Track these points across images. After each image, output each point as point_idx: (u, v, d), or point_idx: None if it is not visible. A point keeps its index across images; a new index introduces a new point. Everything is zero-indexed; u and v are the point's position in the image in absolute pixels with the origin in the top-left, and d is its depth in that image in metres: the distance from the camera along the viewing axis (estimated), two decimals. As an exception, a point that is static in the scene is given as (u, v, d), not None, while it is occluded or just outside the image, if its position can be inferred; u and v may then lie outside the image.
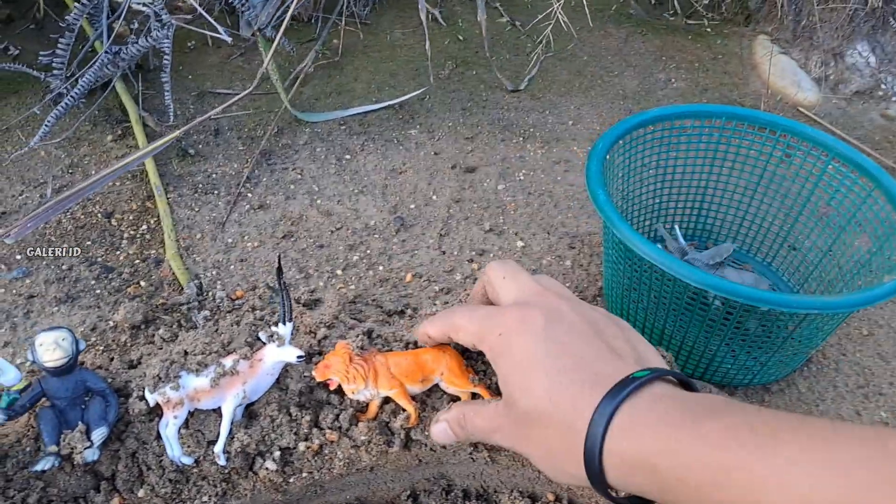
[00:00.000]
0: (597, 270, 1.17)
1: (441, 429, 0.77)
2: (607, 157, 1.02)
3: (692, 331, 0.96)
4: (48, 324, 1.09)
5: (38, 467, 0.80)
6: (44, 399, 0.84)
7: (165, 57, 1.41)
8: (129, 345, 1.05)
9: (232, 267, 1.19)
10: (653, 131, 1.13)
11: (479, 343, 0.66)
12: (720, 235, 1.21)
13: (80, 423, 0.83)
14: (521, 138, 1.48)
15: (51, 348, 0.80)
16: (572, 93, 1.63)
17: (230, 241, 1.24)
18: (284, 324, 0.86)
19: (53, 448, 0.81)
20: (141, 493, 0.86)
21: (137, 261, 1.21)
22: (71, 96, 1.39)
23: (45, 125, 1.35)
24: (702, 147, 1.16)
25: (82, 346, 0.84)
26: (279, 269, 0.85)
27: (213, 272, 1.18)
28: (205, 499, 0.87)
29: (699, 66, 1.78)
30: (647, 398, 0.53)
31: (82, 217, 1.28)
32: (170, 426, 0.85)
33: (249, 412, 0.89)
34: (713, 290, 0.82)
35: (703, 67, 1.77)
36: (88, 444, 0.81)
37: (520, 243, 1.22)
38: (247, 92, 1.30)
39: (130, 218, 1.29)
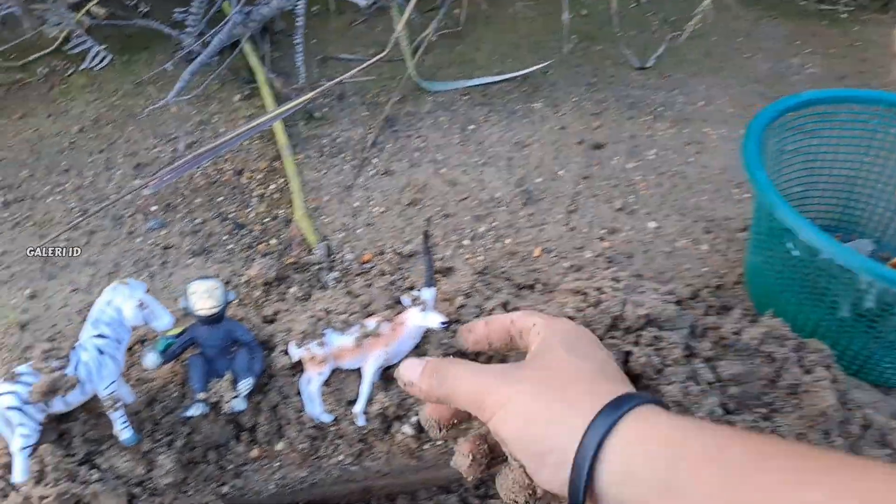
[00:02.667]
0: (735, 257, 1.12)
1: (413, 363, 0.72)
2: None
3: (847, 326, 0.91)
4: (184, 274, 1.11)
5: (189, 413, 0.81)
6: (193, 346, 0.86)
7: (298, 19, 1.42)
8: (262, 300, 1.06)
9: (359, 231, 1.19)
10: (802, 116, 1.07)
11: (546, 323, 0.65)
12: (866, 229, 1.15)
13: (227, 372, 0.84)
14: (649, 117, 1.43)
15: (204, 296, 0.81)
16: (702, 73, 1.57)
17: (356, 205, 1.24)
18: (429, 288, 0.85)
19: (202, 395, 0.82)
20: (279, 447, 0.87)
21: (267, 219, 1.22)
22: (206, 54, 1.41)
23: (182, 81, 1.37)
24: (856, 134, 1.09)
25: (232, 297, 0.85)
26: (426, 234, 0.84)
27: (341, 235, 1.18)
28: (340, 457, 0.87)
29: (835, 52, 1.69)
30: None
31: (214, 174, 1.30)
32: (313, 383, 0.86)
33: (386, 375, 0.89)
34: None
35: (840, 54, 1.68)
36: (235, 394, 0.82)
37: (652, 224, 1.18)
38: (380, 56, 1.29)
39: (259, 177, 1.30)
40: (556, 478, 0.55)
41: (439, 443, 0.89)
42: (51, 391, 0.74)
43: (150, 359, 0.80)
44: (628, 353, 0.87)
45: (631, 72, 1.57)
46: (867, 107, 1.07)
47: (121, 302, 0.79)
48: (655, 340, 0.88)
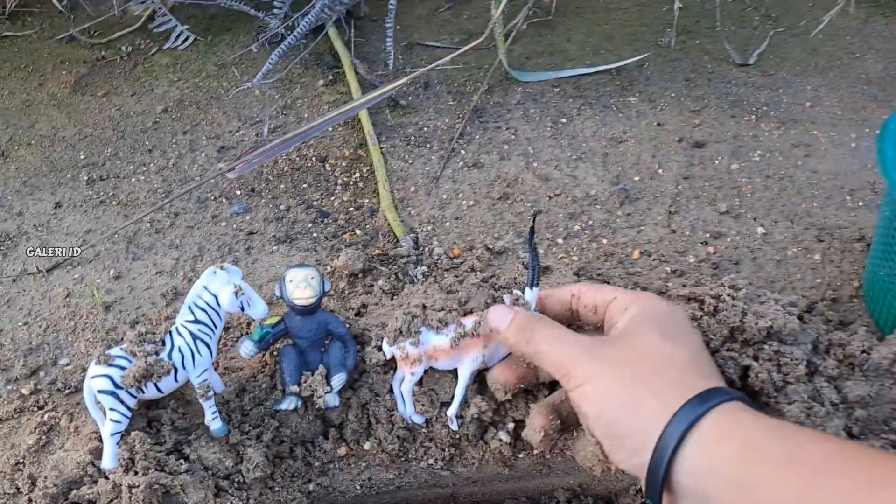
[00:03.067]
0: (851, 269, 1.04)
1: (503, 311, 0.72)
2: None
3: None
4: (269, 261, 1.08)
5: (283, 406, 0.78)
6: (286, 337, 0.82)
7: (391, 3, 1.37)
8: (347, 292, 1.02)
9: (447, 224, 1.14)
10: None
11: (632, 298, 0.66)
12: None
13: (320, 365, 0.80)
14: (753, 116, 1.36)
15: (301, 286, 0.78)
16: (807, 72, 1.48)
17: (444, 196, 1.19)
18: (531, 288, 0.80)
19: (295, 388, 0.78)
20: (367, 446, 0.83)
21: (351, 208, 1.18)
22: (293, 37, 1.37)
23: (269, 63, 1.34)
24: None
25: (328, 287, 0.81)
26: (532, 230, 0.78)
27: (429, 227, 1.14)
28: (431, 461, 0.83)
29: (949, 53, 1.59)
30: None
31: (298, 160, 1.26)
32: (405, 382, 0.81)
33: (480, 378, 0.84)
34: None
35: (955, 56, 1.58)
36: (328, 388, 0.78)
37: (760, 230, 1.11)
38: (475, 44, 1.24)
39: (343, 164, 1.26)
40: (631, 462, 0.56)
41: (535, 453, 0.84)
42: (145, 376, 0.71)
43: (246, 347, 0.77)
44: (747, 368, 0.81)
45: (731, 68, 1.49)
46: None
47: (218, 287, 0.76)
48: (776, 355, 0.81)
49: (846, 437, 0.79)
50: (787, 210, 1.15)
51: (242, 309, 0.77)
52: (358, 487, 0.83)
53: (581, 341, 0.62)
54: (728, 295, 0.84)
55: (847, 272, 1.05)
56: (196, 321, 0.75)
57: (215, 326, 0.76)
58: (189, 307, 0.76)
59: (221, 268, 0.76)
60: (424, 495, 0.86)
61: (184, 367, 0.74)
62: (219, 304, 0.76)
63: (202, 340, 0.75)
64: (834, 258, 1.06)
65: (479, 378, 0.83)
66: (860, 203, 1.16)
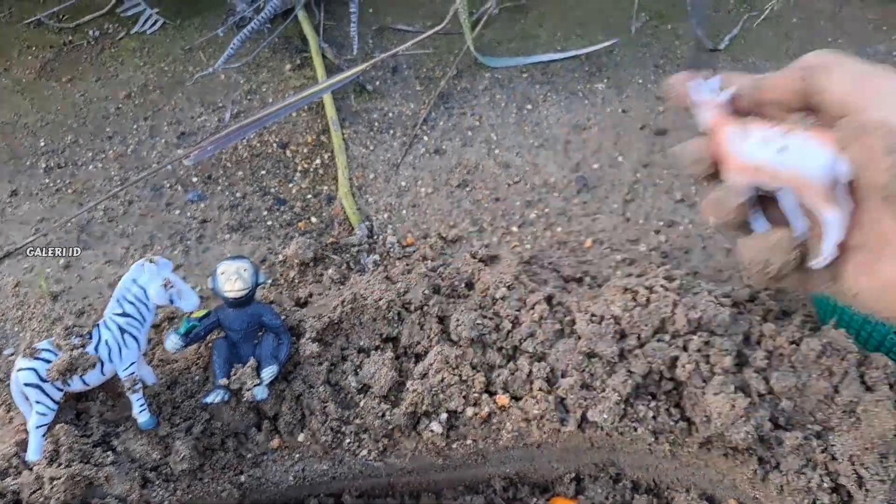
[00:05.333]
0: (802, 258, 1.04)
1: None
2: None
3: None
4: (220, 250, 1.07)
5: (209, 399, 0.78)
6: (217, 329, 0.82)
7: (354, -14, 1.36)
8: (297, 281, 1.02)
9: (404, 212, 1.14)
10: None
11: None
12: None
13: (251, 358, 0.80)
14: (718, 102, 1.34)
15: (232, 278, 0.78)
16: (779, 57, 1.47)
17: (403, 184, 1.19)
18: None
19: (224, 381, 0.78)
20: (301, 438, 0.83)
21: (309, 195, 1.18)
22: (257, 20, 1.37)
23: (231, 48, 1.33)
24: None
25: (262, 278, 0.81)
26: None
27: (385, 215, 1.14)
28: (364, 452, 0.83)
29: (926, 38, 1.56)
30: None
31: (258, 145, 1.26)
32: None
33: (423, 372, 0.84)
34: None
35: (932, 40, 1.56)
36: (258, 381, 0.79)
37: (713, 219, 1.10)
38: (437, 28, 1.23)
39: (305, 151, 1.26)
40: None
41: (468, 442, 0.84)
42: (69, 370, 0.71)
43: (172, 341, 0.77)
44: (675, 359, 0.81)
45: (702, 54, 1.48)
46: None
47: (146, 280, 0.76)
48: (705, 346, 0.81)
49: (772, 428, 0.79)
50: (745, 199, 1.14)
51: (172, 301, 0.77)
52: (291, 479, 0.83)
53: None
54: (661, 286, 0.84)
55: (799, 262, 1.04)
56: (124, 314, 0.75)
57: (144, 319, 0.77)
58: (117, 300, 0.76)
59: (151, 260, 0.76)
60: (360, 486, 0.87)
61: (111, 361, 0.74)
62: (147, 298, 0.76)
63: (130, 334, 0.75)
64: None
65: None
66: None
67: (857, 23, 1.57)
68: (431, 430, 0.82)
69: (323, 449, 0.83)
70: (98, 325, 0.76)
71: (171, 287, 0.76)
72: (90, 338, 0.75)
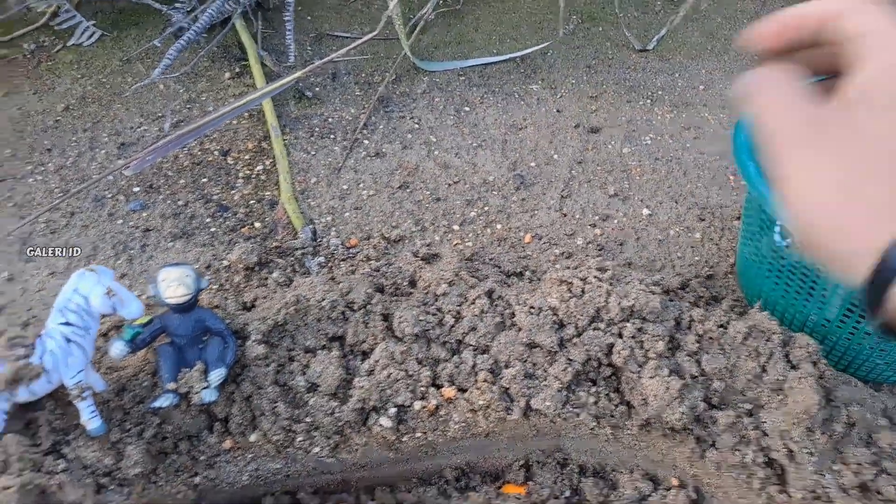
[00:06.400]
0: (728, 246, 1.09)
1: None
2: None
3: (837, 322, 0.88)
4: (164, 258, 1.08)
5: (157, 404, 0.79)
6: (163, 335, 0.83)
7: (289, -6, 1.38)
8: (242, 286, 1.03)
9: (347, 214, 1.16)
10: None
11: (870, 34, 0.42)
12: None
13: (198, 362, 0.81)
14: (648, 101, 1.40)
15: (174, 284, 0.79)
16: (704, 56, 1.53)
17: (345, 187, 1.21)
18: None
19: (172, 385, 0.79)
20: (253, 438, 0.85)
21: (252, 201, 1.19)
22: (193, 30, 1.37)
23: (167, 58, 1.34)
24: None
25: (204, 284, 0.82)
26: None
27: (328, 218, 1.16)
28: (316, 449, 0.85)
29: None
30: None
31: (199, 153, 1.27)
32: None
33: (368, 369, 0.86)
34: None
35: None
36: (206, 384, 0.80)
37: (646, 211, 1.15)
38: (371, 35, 1.26)
39: (246, 158, 1.27)
40: (844, 278, 0.42)
41: (418, 435, 0.87)
42: (15, 380, 0.72)
43: (117, 348, 0.78)
44: (611, 346, 0.85)
45: (631, 54, 1.53)
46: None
47: (88, 289, 0.76)
48: (639, 333, 0.85)
49: (706, 408, 0.83)
50: (673, 191, 1.19)
51: (115, 310, 0.78)
52: (246, 478, 0.85)
53: (803, 115, 0.44)
54: (594, 277, 0.88)
55: (724, 249, 1.09)
56: (67, 323, 0.76)
57: (88, 328, 0.77)
58: (60, 310, 0.76)
59: (91, 269, 0.77)
60: (315, 482, 0.88)
61: (57, 370, 0.75)
62: (90, 306, 0.77)
63: (75, 342, 0.76)
64: (713, 236, 1.11)
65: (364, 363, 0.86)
66: (743, 182, 1.21)
67: (777, 21, 1.64)
68: (381, 425, 0.84)
69: (275, 448, 0.84)
70: (41, 335, 0.76)
71: (114, 295, 0.77)
72: (33, 348, 0.75)
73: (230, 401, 0.84)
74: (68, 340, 0.75)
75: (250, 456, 0.85)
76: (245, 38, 1.48)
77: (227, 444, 0.85)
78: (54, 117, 1.33)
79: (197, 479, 0.83)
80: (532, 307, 0.87)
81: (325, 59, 1.25)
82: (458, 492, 0.90)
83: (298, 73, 1.21)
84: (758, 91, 0.45)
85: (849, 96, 0.41)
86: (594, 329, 0.85)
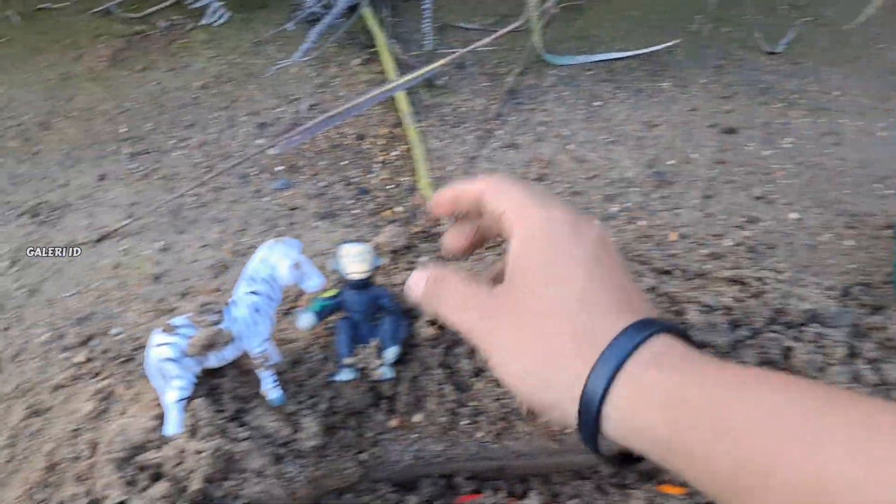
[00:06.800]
0: (881, 255, 1.06)
1: (416, 279, 0.59)
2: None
3: None
4: (311, 237, 1.09)
5: (339, 378, 0.80)
6: (340, 310, 0.84)
7: (428, -17, 1.39)
8: (390, 268, 1.04)
9: (485, 203, 1.16)
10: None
11: (517, 217, 0.52)
12: None
13: (372, 339, 0.82)
14: (782, 104, 1.37)
15: (356, 260, 0.79)
16: (835, 62, 1.50)
17: (482, 177, 1.20)
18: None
19: (349, 360, 0.80)
20: (417, 418, 0.85)
21: (390, 186, 1.20)
22: (332, 15, 1.39)
23: (308, 42, 1.36)
24: None
25: (380, 262, 0.83)
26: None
27: (467, 206, 1.15)
28: (480, 434, 0.85)
29: (975, 45, 1.60)
30: (677, 341, 0.47)
31: (336, 137, 1.28)
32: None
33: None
34: None
35: (981, 47, 1.59)
36: (380, 361, 0.80)
37: (793, 215, 1.13)
38: (511, 27, 1.26)
39: (380, 143, 1.28)
40: (566, 423, 0.48)
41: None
42: (209, 346, 0.73)
43: (306, 319, 0.79)
44: (789, 349, 0.83)
45: (760, 56, 1.51)
46: None
47: (276, 260, 0.77)
48: (818, 337, 0.83)
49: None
50: (818, 197, 1.16)
51: (299, 281, 0.79)
52: (409, 458, 0.85)
53: (476, 300, 0.52)
54: (771, 277, 0.86)
55: (878, 258, 1.06)
56: (255, 293, 0.77)
57: (273, 298, 0.78)
58: (248, 279, 0.77)
59: (280, 240, 0.78)
60: (473, 467, 0.88)
61: (243, 338, 0.76)
62: (277, 277, 0.78)
63: (261, 312, 0.77)
64: (865, 244, 1.08)
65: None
66: (889, 191, 1.18)
67: (910, 29, 1.61)
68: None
69: (440, 430, 0.84)
70: (229, 303, 0.77)
71: (300, 267, 0.78)
72: (223, 315, 0.76)
73: (397, 380, 0.85)
74: (255, 310, 0.76)
75: (414, 436, 0.85)
76: (373, 26, 1.50)
77: (394, 422, 0.85)
78: (192, 94, 1.35)
79: (363, 456, 0.83)
80: (703, 305, 0.86)
81: (468, 48, 1.26)
82: (616, 488, 0.89)
83: (442, 61, 1.21)
84: (439, 294, 0.54)
85: (508, 270, 0.50)
86: (770, 331, 0.84)
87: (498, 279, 0.55)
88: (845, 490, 0.36)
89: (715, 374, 0.43)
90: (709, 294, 0.87)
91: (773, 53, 1.51)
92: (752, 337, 0.85)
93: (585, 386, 0.45)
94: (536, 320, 0.49)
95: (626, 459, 0.51)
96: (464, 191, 0.59)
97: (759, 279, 0.86)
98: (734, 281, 0.87)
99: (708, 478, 0.42)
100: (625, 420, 0.44)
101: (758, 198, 1.16)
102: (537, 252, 0.51)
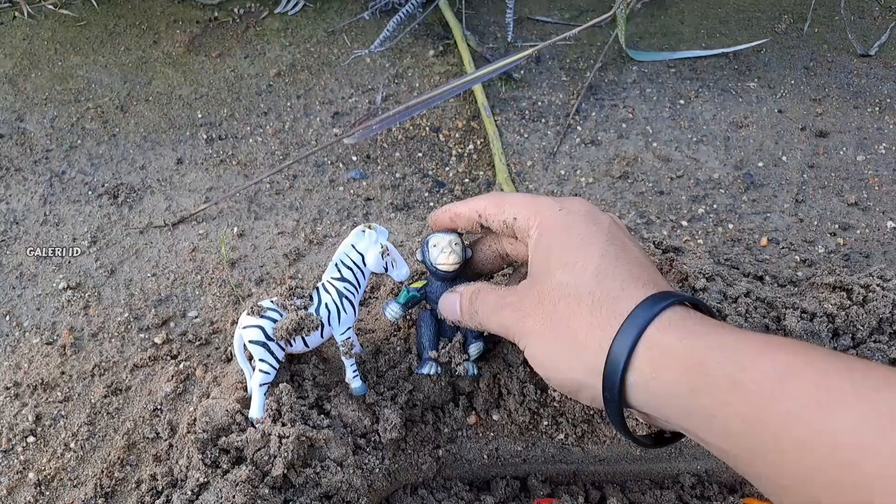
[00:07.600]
0: None
1: (451, 300, 0.70)
2: None
3: None
4: (387, 228, 1.07)
5: (423, 371, 0.77)
6: (423, 302, 0.81)
7: (511, -25, 1.36)
8: (467, 262, 1.01)
9: (565, 200, 1.12)
10: None
11: (531, 215, 0.58)
12: None
13: (456, 333, 0.79)
14: (876, 108, 1.31)
15: (446, 251, 0.76)
16: (933, 66, 1.43)
17: (562, 172, 1.17)
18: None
19: (433, 354, 0.77)
20: (496, 416, 0.83)
21: (466, 179, 1.17)
22: (411, 4, 1.37)
23: (386, 31, 1.34)
24: None
25: (469, 254, 0.80)
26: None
27: (546, 202, 1.12)
28: (561, 436, 0.82)
29: None
30: (695, 311, 0.50)
31: (411, 129, 1.26)
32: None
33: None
34: None
35: None
36: (465, 357, 0.78)
37: (890, 224, 1.07)
38: (596, 21, 1.22)
39: (456, 136, 1.26)
40: (595, 403, 0.53)
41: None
42: (296, 330, 0.71)
43: (392, 309, 0.76)
44: (893, 361, 0.78)
45: (852, 58, 1.45)
46: None
47: (365, 246, 0.75)
48: (926, 351, 0.78)
49: None
50: (919, 205, 1.11)
51: (386, 269, 0.77)
52: (485, 457, 0.82)
53: (510, 301, 0.58)
54: (878, 285, 0.81)
55: None
56: (342, 279, 0.75)
57: (359, 285, 0.76)
58: (336, 264, 0.75)
59: (370, 227, 0.76)
60: (548, 470, 0.85)
61: (329, 324, 0.74)
62: (364, 264, 0.76)
63: (347, 298, 0.75)
64: (970, 258, 1.03)
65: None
66: None
67: None
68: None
69: (519, 429, 0.82)
70: (317, 287, 0.76)
71: (388, 255, 0.76)
72: (311, 300, 0.75)
73: (478, 376, 0.82)
74: (341, 295, 0.75)
75: (492, 434, 0.83)
76: (450, 17, 1.47)
77: (472, 419, 0.82)
78: (267, 81, 1.35)
79: (440, 452, 0.81)
80: (804, 311, 0.82)
81: (548, 42, 1.23)
82: (698, 500, 0.86)
83: (523, 54, 1.18)
84: (477, 305, 0.62)
85: (531, 267, 0.57)
86: (874, 341, 0.79)
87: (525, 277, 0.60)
88: (857, 452, 0.37)
89: (733, 339, 0.45)
90: (808, 300, 0.83)
91: (865, 56, 1.45)
92: (855, 346, 0.80)
93: (608, 355, 0.48)
94: (558, 304, 0.52)
95: (659, 440, 0.57)
96: (460, 211, 0.67)
97: (865, 286, 0.81)
98: (837, 287, 0.82)
99: (723, 439, 0.44)
100: (647, 385, 0.47)
101: (852, 204, 1.11)
102: (554, 239, 0.55)
